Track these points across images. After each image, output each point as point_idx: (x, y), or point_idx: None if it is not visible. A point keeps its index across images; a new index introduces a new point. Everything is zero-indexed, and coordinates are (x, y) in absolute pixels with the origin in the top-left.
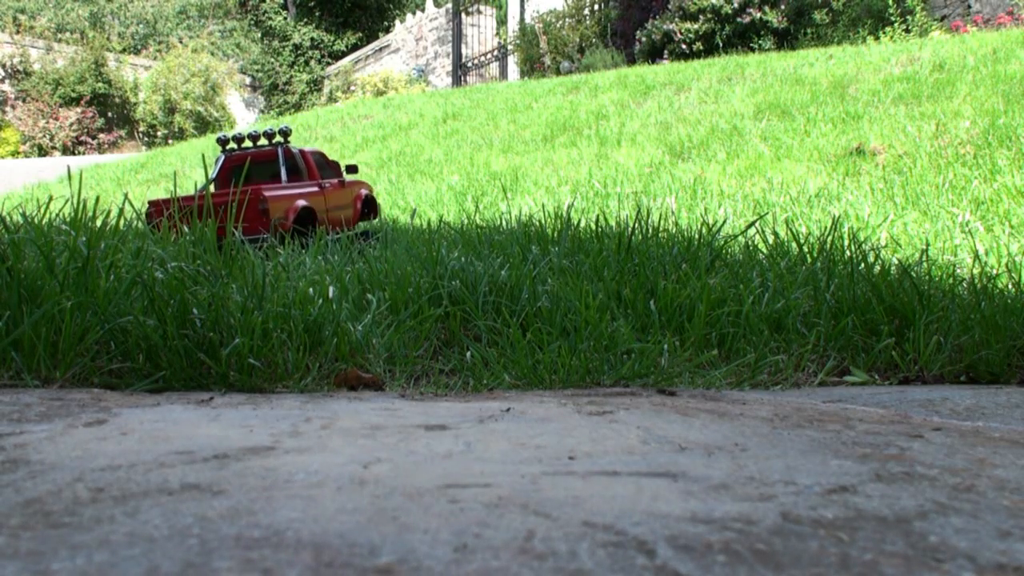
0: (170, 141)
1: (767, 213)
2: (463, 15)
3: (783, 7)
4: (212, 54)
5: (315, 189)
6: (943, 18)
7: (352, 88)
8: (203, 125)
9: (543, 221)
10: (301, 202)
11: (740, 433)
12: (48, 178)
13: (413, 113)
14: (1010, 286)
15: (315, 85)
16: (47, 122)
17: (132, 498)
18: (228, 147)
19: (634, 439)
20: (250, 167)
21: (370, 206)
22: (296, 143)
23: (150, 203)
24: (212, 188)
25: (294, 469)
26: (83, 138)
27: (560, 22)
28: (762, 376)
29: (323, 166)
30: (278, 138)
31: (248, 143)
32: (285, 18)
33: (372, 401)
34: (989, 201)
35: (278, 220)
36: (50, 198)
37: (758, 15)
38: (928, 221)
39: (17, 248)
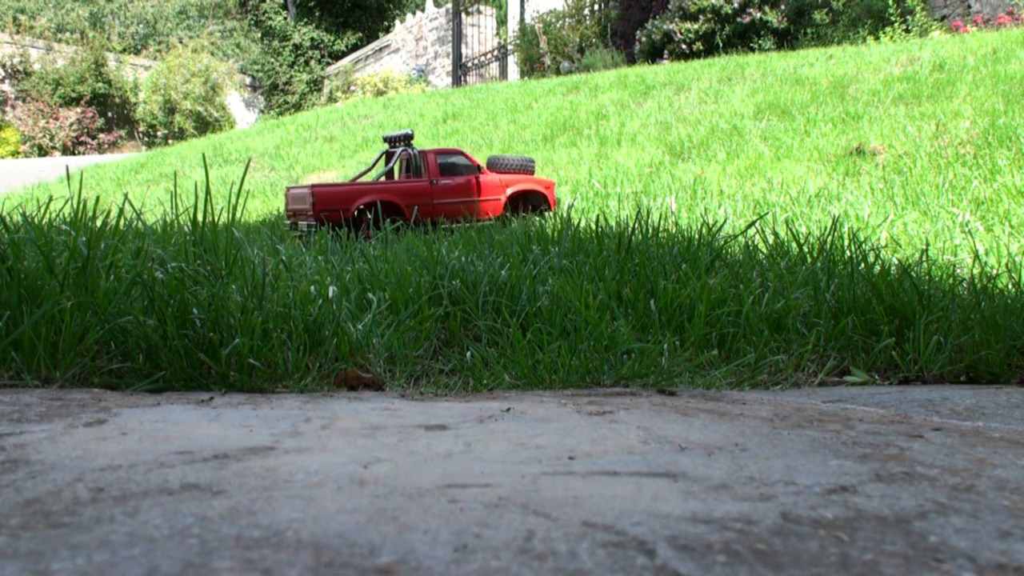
0: (170, 141)
1: (767, 213)
2: (463, 15)
3: (783, 7)
4: (212, 54)
5: (408, 185)
6: (943, 18)
7: (352, 88)
8: (203, 125)
9: (543, 221)
10: (370, 197)
11: (740, 433)
12: (48, 178)
13: (413, 113)
14: (1010, 286)
15: (315, 85)
16: (47, 122)
17: (132, 498)
18: (393, 146)
19: (634, 439)
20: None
21: (527, 201)
22: (298, 143)
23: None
24: (371, 176)
25: (294, 469)
26: (83, 138)
27: (560, 22)
28: (762, 376)
29: (451, 165)
30: (404, 143)
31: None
32: (285, 18)
33: (372, 401)
34: (989, 201)
35: (328, 211)
36: (50, 198)
37: (758, 15)
38: (928, 221)
39: (17, 248)
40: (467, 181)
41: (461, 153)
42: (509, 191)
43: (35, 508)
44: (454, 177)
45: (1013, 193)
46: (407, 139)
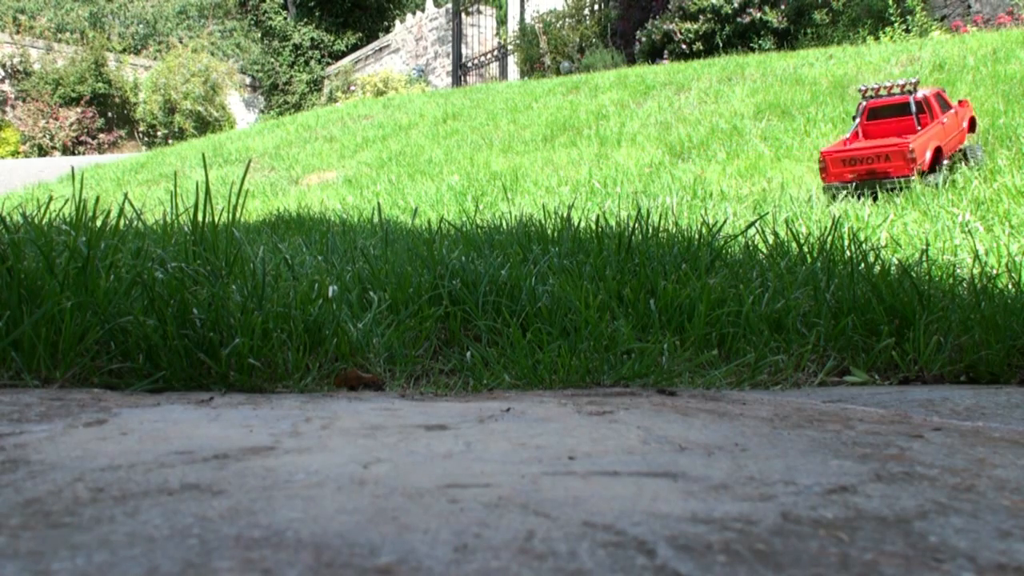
0: (170, 141)
1: (767, 213)
2: (463, 15)
3: (783, 7)
4: (212, 54)
5: (938, 128)
6: (943, 18)
7: (352, 88)
8: (203, 125)
9: (543, 221)
10: (934, 143)
11: (740, 433)
12: (48, 178)
13: (413, 113)
14: (1010, 286)
15: (315, 85)
16: (47, 122)
17: (132, 498)
18: (867, 95)
19: (634, 439)
20: (885, 111)
21: (972, 125)
22: (298, 143)
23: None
24: (858, 132)
25: (294, 469)
26: (83, 138)
27: (560, 22)
28: (762, 376)
29: (942, 105)
30: (908, 88)
31: (883, 92)
32: (285, 18)
33: (372, 401)
34: (989, 201)
35: (920, 164)
36: (50, 198)
37: (758, 15)
38: (928, 221)
39: (17, 248)
40: (955, 114)
41: (938, 94)
42: (970, 116)
43: (35, 508)
44: (946, 114)
45: (1013, 193)
46: (914, 86)
